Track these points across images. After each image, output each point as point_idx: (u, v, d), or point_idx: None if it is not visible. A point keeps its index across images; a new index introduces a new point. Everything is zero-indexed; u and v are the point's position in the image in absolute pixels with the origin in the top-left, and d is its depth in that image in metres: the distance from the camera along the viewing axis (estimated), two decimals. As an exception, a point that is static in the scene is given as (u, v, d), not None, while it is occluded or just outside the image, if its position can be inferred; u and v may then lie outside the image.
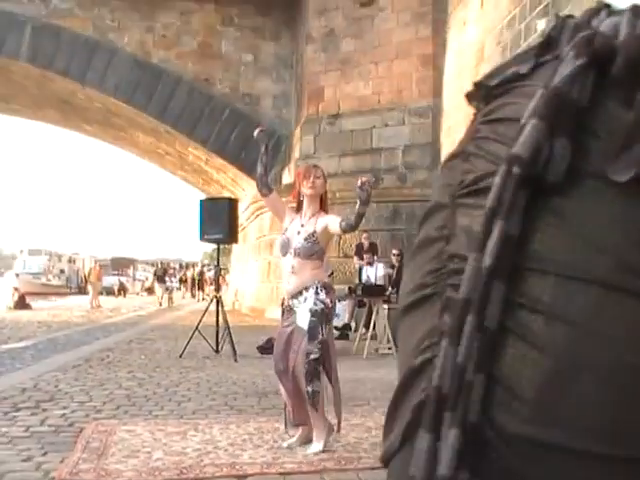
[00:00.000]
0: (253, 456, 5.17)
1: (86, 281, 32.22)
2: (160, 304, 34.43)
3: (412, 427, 0.69)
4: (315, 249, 5.63)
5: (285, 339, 5.69)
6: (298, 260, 5.61)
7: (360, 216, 5.56)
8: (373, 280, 14.54)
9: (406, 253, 15.88)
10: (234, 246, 28.90)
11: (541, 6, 13.75)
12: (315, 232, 5.61)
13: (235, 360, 10.96)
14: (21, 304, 29.39)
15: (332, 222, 5.68)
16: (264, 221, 24.04)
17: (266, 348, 12.17)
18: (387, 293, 13.03)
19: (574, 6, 12.43)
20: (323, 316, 5.54)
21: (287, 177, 24.18)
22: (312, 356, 5.41)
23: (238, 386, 8.57)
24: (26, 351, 12.55)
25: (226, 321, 11.57)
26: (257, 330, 16.15)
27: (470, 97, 0.84)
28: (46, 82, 26.95)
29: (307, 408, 5.46)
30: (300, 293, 5.60)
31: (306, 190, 5.73)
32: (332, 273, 13.26)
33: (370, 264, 15.07)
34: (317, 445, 5.39)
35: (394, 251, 15.51)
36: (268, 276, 23.09)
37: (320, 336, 5.46)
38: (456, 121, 18.87)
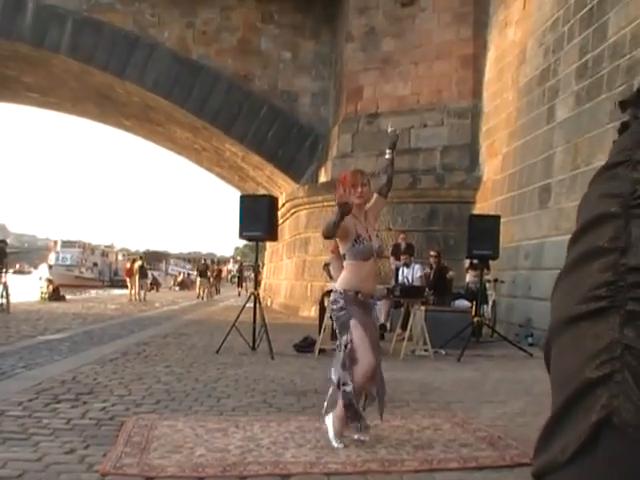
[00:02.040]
0: (296, 455, 5.14)
1: (131, 274, 32.27)
2: (202, 298, 36.34)
3: (589, 444, 0.66)
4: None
5: (373, 332, 5.87)
6: (376, 262, 5.89)
7: (391, 180, 6.20)
8: (410, 281, 14.49)
9: (443, 254, 15.82)
10: (267, 243, 28.93)
11: (585, 9, 13.62)
12: (376, 229, 5.86)
13: (272, 357, 10.94)
14: (55, 296, 29.60)
15: (375, 203, 6.03)
16: (300, 219, 24.05)
17: (302, 346, 12.18)
18: (425, 294, 12.96)
19: (619, 10, 12.30)
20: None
21: (323, 176, 24.17)
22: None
23: (276, 384, 8.55)
24: (62, 343, 12.61)
25: (263, 318, 11.55)
26: (292, 328, 16.16)
27: (627, 104, 0.81)
28: (85, 76, 27.14)
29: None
30: (373, 296, 5.98)
31: (355, 200, 5.71)
32: None
33: (407, 265, 15.02)
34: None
35: (432, 252, 15.43)
36: (303, 274, 23.06)
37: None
38: (495, 123, 18.75)
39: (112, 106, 31.01)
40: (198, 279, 40.25)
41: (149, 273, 39.19)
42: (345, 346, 5.54)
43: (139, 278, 32.67)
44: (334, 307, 5.74)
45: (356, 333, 5.54)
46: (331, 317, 5.74)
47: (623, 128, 0.80)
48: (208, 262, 47.32)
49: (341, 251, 5.84)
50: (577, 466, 0.68)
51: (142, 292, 32.78)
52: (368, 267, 5.76)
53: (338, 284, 5.83)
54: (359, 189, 5.76)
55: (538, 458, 0.73)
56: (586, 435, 0.67)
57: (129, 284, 33.60)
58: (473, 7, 20.42)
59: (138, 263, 33.55)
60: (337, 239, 5.79)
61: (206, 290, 37.94)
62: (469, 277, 15.52)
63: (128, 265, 35.41)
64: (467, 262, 15.87)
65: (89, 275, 74.22)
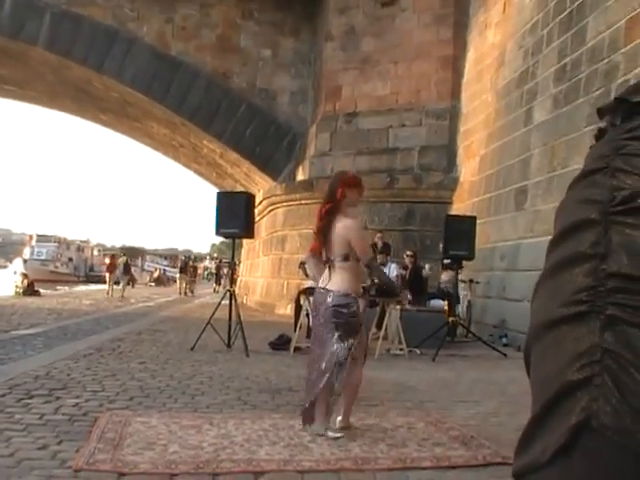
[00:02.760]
0: (270, 453, 5.14)
1: (111, 270, 33.11)
2: (182, 293, 37.69)
3: (568, 446, 0.67)
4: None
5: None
6: None
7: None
8: (386, 280, 14.49)
9: (419, 254, 15.86)
10: (244, 240, 28.92)
11: (565, 13, 13.70)
12: None
13: (247, 355, 10.93)
14: (30, 291, 29.44)
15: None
16: (277, 217, 24.04)
17: (278, 344, 12.17)
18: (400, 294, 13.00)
19: (598, 14, 12.38)
20: None
21: (301, 174, 24.17)
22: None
23: (251, 381, 8.54)
24: (37, 338, 12.54)
25: (239, 316, 11.54)
26: (267, 325, 16.16)
27: (605, 111, 0.82)
28: (63, 69, 27.00)
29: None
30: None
31: (357, 200, 6.05)
32: None
33: (383, 264, 15.01)
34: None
35: (408, 252, 15.46)
36: (279, 272, 23.05)
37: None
38: (473, 124, 18.83)
39: (90, 100, 30.84)
40: (179, 275, 41.50)
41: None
42: (349, 349, 5.70)
43: (123, 274, 33.57)
44: (345, 311, 5.78)
45: (358, 340, 5.80)
46: (337, 319, 5.72)
47: (600, 134, 0.81)
48: (188, 260, 47.88)
49: (340, 252, 5.86)
50: (557, 467, 0.69)
51: (125, 287, 33.46)
52: (360, 268, 5.95)
53: (344, 287, 5.86)
54: (363, 191, 6.09)
55: (519, 458, 0.74)
56: (566, 437, 0.68)
57: (107, 279, 33.98)
58: (453, 8, 20.47)
59: (122, 259, 34.56)
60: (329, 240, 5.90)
61: (187, 286, 39.26)
62: (443, 277, 15.54)
63: (107, 260, 35.93)
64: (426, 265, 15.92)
65: (64, 270, 73.63)
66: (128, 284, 36.56)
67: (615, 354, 0.68)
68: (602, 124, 0.83)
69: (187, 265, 41.26)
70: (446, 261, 14.65)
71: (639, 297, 0.67)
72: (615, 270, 0.69)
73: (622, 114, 0.78)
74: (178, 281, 41.52)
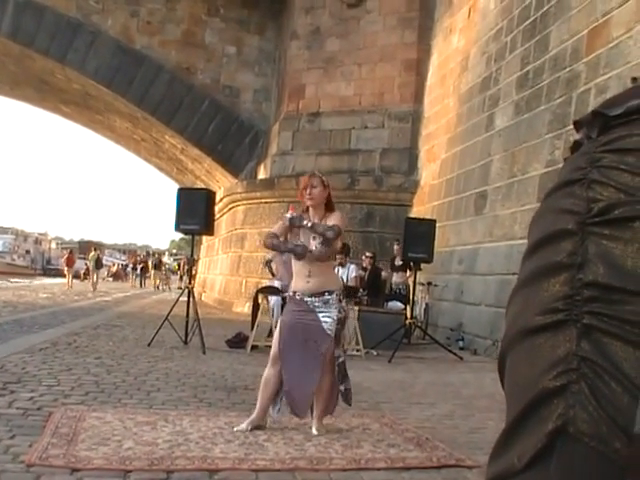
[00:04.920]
0: (225, 451, 5.14)
1: (70, 264, 35.06)
2: (158, 288, 42.37)
3: (544, 452, 0.69)
4: (329, 252, 5.99)
5: (302, 331, 5.89)
6: (317, 264, 5.92)
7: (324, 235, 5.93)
8: (344, 281, 14.53)
9: (378, 255, 15.91)
10: (204, 237, 28.83)
11: (529, 21, 13.83)
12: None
13: (203, 352, 10.91)
14: (-15, 283, 29.28)
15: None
16: (237, 215, 24.00)
17: (235, 342, 12.16)
18: (359, 295, 13.06)
19: (561, 24, 12.52)
20: (345, 322, 6.19)
21: (262, 172, 24.14)
22: (340, 359, 6.02)
23: (207, 379, 8.53)
24: (-9, 330, 12.41)
25: (196, 313, 11.52)
26: (225, 323, 16.14)
27: (581, 124, 0.84)
28: (25, 60, 26.71)
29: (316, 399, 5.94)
30: (322, 294, 5.88)
31: (307, 202, 6.04)
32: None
33: (342, 265, 15.05)
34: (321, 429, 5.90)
35: (367, 253, 15.50)
36: (238, 270, 23.02)
37: (342, 340, 6.12)
38: (435, 128, 18.93)
39: (51, 92, 30.56)
40: (153, 271, 45.42)
41: (84, 263, 42.01)
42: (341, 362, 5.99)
43: (94, 268, 35.33)
44: (341, 314, 5.96)
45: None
46: (340, 320, 5.88)
47: (575, 147, 0.83)
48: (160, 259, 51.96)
49: (326, 254, 5.98)
50: (533, 473, 0.70)
51: (98, 281, 35.60)
52: (303, 267, 6.01)
53: (337, 285, 6.09)
54: (308, 190, 6.00)
55: (493, 465, 0.76)
56: (542, 443, 0.70)
57: (66, 273, 36.24)
58: (419, 12, 20.57)
59: (92, 254, 35.88)
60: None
61: (162, 282, 44.25)
62: (395, 279, 15.53)
63: (66, 255, 37.44)
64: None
65: (21, 263, 72.98)
66: (98, 278, 38.09)
67: (592, 362, 0.69)
68: (577, 136, 0.85)
69: (160, 262, 46.12)
70: (398, 263, 14.73)
71: (615, 307, 0.69)
72: (592, 280, 0.71)
73: (598, 127, 0.81)
74: (152, 277, 45.34)
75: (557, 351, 0.71)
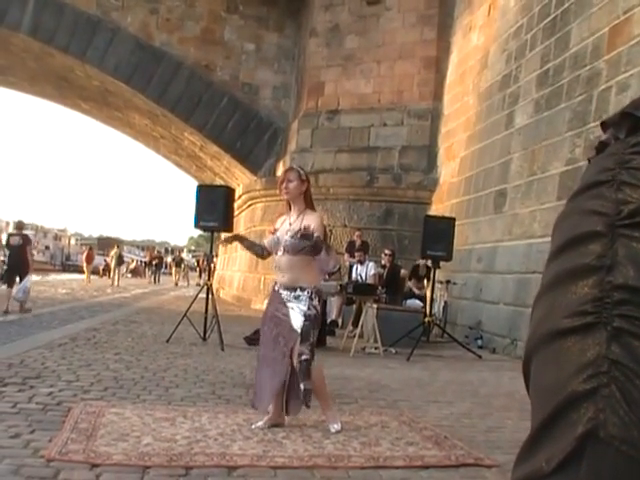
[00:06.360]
0: (243, 447, 5.15)
1: (90, 260, 36.56)
2: (177, 284, 43.23)
3: (574, 456, 0.68)
4: (302, 245, 5.94)
5: (275, 325, 6.02)
6: (288, 256, 6.01)
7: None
8: (363, 278, 14.54)
9: (397, 253, 15.90)
10: (223, 234, 28.87)
11: (549, 18, 13.76)
12: (300, 230, 5.94)
13: (222, 349, 10.93)
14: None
15: (313, 227, 6.01)
16: (256, 212, 24.03)
17: (253, 339, 12.15)
18: (378, 292, 13.04)
19: (582, 21, 12.45)
20: (315, 321, 6.01)
21: (281, 169, 24.12)
22: (304, 357, 5.83)
23: (225, 375, 8.54)
24: (11, 326, 12.49)
25: (215, 309, 11.54)
26: (243, 320, 16.15)
27: (608, 124, 0.83)
28: (45, 57, 26.80)
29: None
30: (294, 289, 5.97)
31: (283, 195, 6.19)
32: (339, 268, 13.17)
33: (361, 262, 15.07)
34: (337, 425, 5.88)
35: (386, 251, 15.50)
36: (256, 267, 23.03)
37: (311, 339, 5.90)
38: (455, 126, 18.88)
39: (71, 88, 30.65)
40: (174, 268, 47.91)
41: (102, 259, 42.86)
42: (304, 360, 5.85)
43: (116, 265, 36.78)
44: (310, 311, 5.95)
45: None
46: (309, 317, 5.90)
47: (601, 147, 0.82)
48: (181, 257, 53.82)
49: (296, 247, 6.02)
50: (562, 477, 0.70)
51: (120, 277, 37.00)
52: (278, 260, 6.16)
53: (311, 283, 6.06)
54: (283, 185, 6.16)
55: (520, 468, 0.75)
56: (572, 447, 0.69)
57: (86, 269, 37.20)
58: (438, 9, 20.51)
59: (115, 251, 37.50)
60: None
61: (180, 277, 46.01)
62: (412, 286, 15.52)
63: (85, 252, 38.85)
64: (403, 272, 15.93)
65: (41, 258, 73.36)
66: (120, 274, 39.68)
67: (622, 366, 0.69)
68: (603, 137, 0.84)
69: (182, 260, 49.35)
70: (422, 261, 14.71)
71: None
72: (622, 282, 0.70)
73: (627, 128, 0.80)
74: (174, 274, 47.27)
75: (586, 354, 0.70)
